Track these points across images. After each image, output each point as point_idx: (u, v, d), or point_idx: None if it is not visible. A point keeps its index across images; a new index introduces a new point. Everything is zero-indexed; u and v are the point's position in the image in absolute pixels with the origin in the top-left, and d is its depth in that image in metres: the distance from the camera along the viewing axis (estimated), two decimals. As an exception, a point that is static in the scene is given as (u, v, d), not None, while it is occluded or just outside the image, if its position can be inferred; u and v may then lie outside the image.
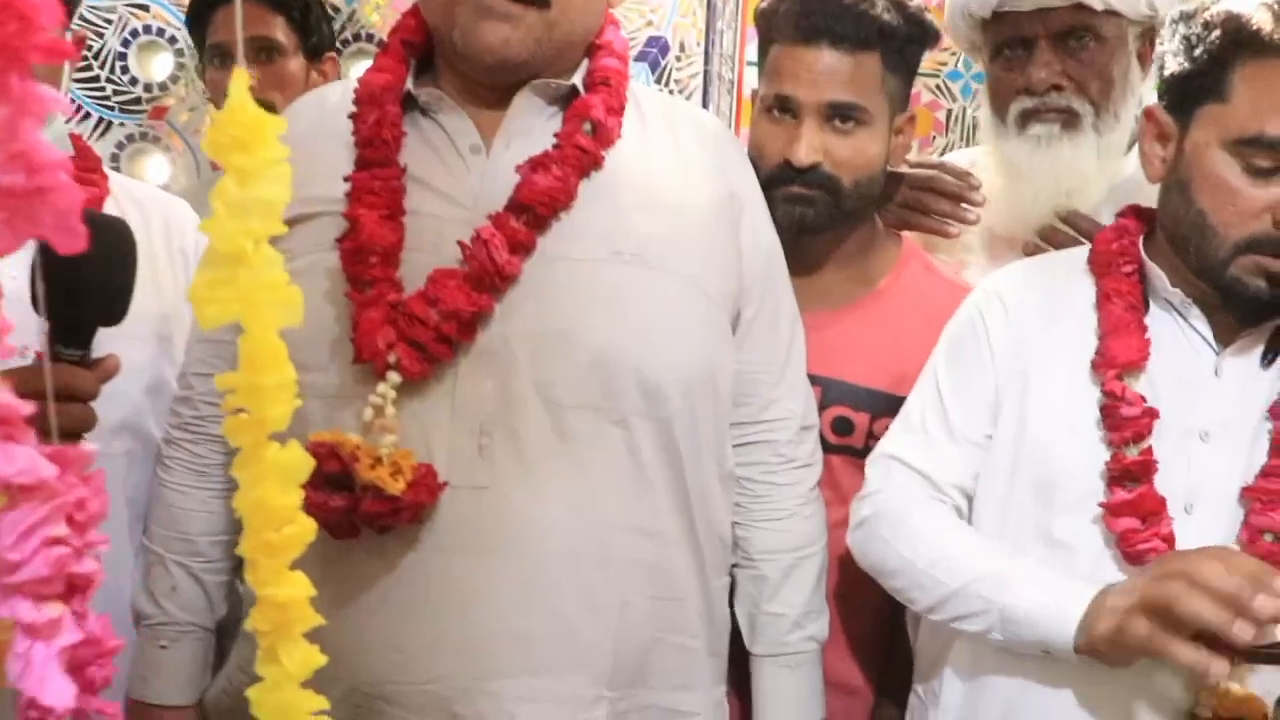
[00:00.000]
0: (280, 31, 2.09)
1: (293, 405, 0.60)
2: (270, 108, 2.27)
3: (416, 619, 1.14)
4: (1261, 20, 1.15)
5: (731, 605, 1.35)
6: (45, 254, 0.56)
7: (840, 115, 1.44)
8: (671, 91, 2.27)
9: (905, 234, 1.63)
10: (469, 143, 1.22)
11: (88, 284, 0.63)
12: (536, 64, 1.20)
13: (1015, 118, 1.60)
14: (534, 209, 1.17)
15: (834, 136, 1.44)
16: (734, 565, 1.35)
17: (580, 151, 1.20)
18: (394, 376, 1.12)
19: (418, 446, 1.12)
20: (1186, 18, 1.22)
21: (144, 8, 2.35)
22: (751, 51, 2.20)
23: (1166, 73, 1.24)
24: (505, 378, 1.15)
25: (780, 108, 1.46)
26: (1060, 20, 1.55)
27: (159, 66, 2.41)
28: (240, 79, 0.55)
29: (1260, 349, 1.23)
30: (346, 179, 1.19)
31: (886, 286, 1.55)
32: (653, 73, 2.29)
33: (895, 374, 1.40)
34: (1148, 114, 1.27)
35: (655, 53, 2.28)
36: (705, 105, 2.26)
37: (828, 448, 1.44)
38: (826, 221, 1.47)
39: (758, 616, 1.35)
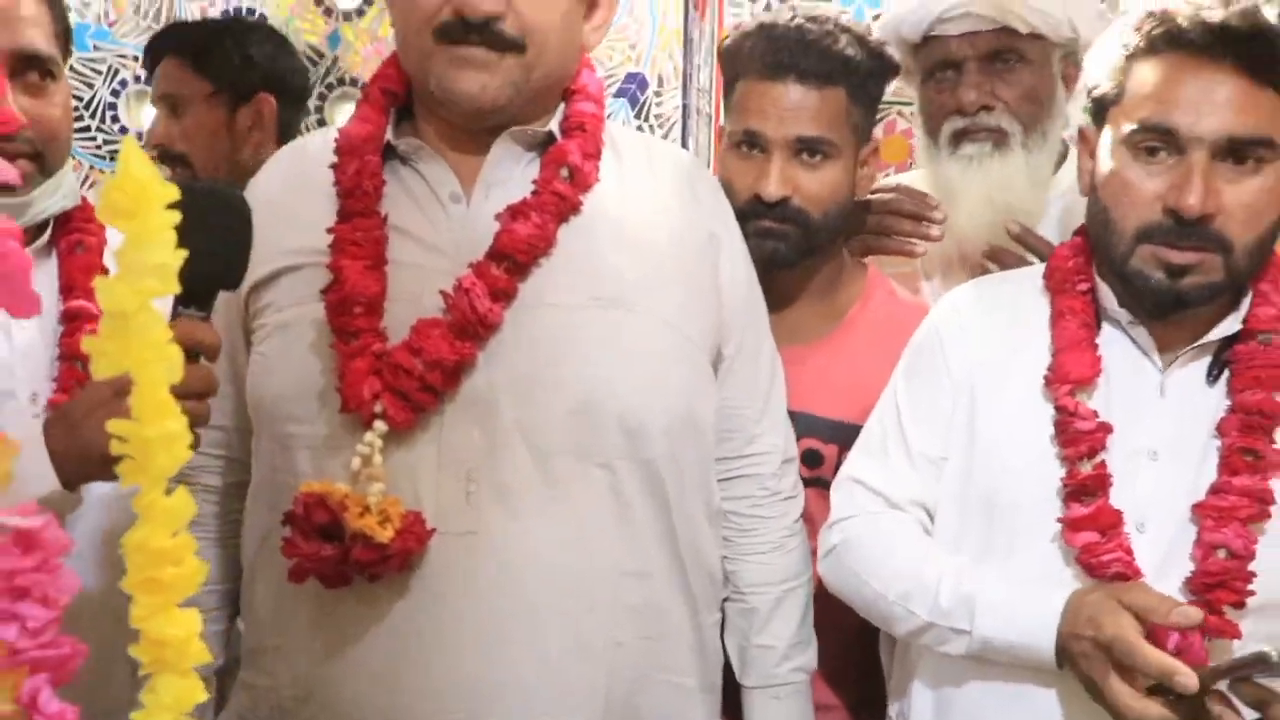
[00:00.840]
0: (182, 84, 2.05)
1: (180, 457, 0.64)
2: (184, 160, 2.22)
3: (408, 665, 1.16)
4: (1152, 24, 1.20)
5: (721, 637, 1.36)
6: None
7: (808, 149, 1.47)
8: (651, 126, 2.29)
9: (869, 260, 1.65)
10: (449, 191, 1.24)
11: (207, 246, 0.67)
12: (514, 108, 1.22)
13: (947, 138, 1.67)
14: (514, 257, 1.18)
15: (802, 170, 1.47)
16: (724, 599, 1.37)
17: (558, 198, 1.22)
18: (380, 426, 1.14)
19: (406, 494, 1.14)
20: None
21: (134, 57, 2.38)
22: (729, 84, 2.22)
23: (1087, 90, 1.29)
24: (490, 424, 1.17)
25: (748, 143, 1.49)
26: (988, 43, 1.63)
27: (149, 116, 2.43)
28: (130, 146, 0.59)
29: (1205, 364, 1.24)
30: (329, 230, 1.21)
31: (854, 317, 1.57)
32: (632, 108, 2.31)
33: (863, 405, 1.42)
34: (1081, 134, 1.32)
35: (634, 88, 2.30)
36: (684, 138, 2.28)
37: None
38: (797, 255, 1.49)
39: (747, 649, 1.37)
